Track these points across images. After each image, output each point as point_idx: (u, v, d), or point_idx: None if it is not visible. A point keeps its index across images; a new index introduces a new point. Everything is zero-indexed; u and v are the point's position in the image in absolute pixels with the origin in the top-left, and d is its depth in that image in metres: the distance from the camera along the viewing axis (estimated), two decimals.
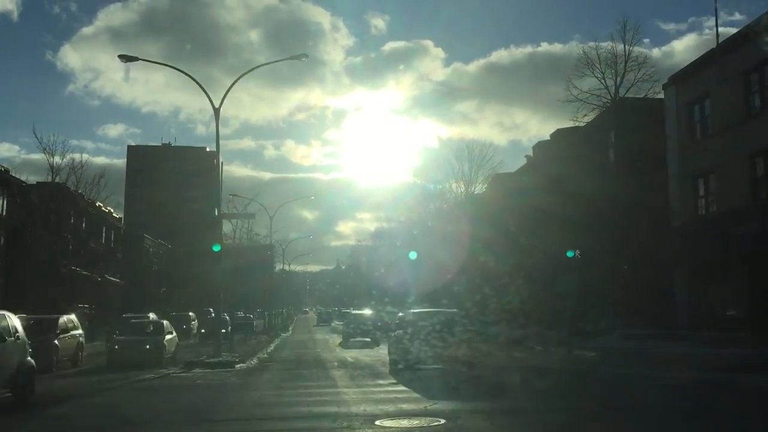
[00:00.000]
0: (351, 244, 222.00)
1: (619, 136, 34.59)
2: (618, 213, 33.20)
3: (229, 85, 24.90)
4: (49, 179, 49.52)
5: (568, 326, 24.09)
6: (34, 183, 53.04)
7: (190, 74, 25.19)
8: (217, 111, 24.54)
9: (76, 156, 55.80)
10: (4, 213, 48.34)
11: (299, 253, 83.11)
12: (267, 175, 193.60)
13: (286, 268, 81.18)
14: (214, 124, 24.30)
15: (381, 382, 16.75)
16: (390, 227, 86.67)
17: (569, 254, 25.72)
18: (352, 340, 35.56)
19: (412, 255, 33.20)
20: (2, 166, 48.27)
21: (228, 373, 20.01)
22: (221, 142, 24.59)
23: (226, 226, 42.13)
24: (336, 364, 23.21)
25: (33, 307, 44.23)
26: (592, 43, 33.49)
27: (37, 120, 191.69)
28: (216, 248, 23.67)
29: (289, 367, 22.38)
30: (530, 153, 51.74)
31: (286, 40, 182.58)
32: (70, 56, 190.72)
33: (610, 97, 33.58)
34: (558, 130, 42.72)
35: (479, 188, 61.27)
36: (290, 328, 67.91)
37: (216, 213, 24.36)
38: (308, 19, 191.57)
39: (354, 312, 47.94)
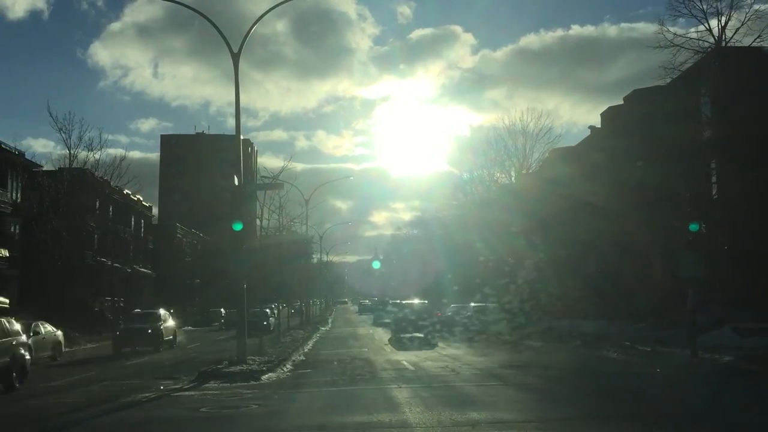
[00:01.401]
0: (386, 234, 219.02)
1: (717, 90, 28.97)
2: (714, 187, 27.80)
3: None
4: (70, 165, 45.58)
5: (693, 321, 18.76)
6: (56, 169, 49.16)
7: (206, 15, 20.60)
8: (236, 56, 20.09)
9: (111, 151, 51.90)
10: (19, 200, 44.50)
11: (336, 242, 78.70)
12: (299, 166, 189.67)
13: (324, 258, 76.79)
14: (244, 117, 19.97)
15: (474, 415, 10.79)
16: (426, 216, 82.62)
17: (692, 227, 20.31)
18: (402, 336, 30.32)
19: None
20: (16, 150, 44.39)
21: (249, 392, 14.53)
22: (250, 133, 19.89)
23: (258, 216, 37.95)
24: (393, 374, 17.50)
25: (53, 300, 40.82)
26: None
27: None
28: (237, 227, 18.80)
29: (332, 380, 16.82)
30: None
31: (312, 30, 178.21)
32: (100, 53, 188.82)
33: (714, 40, 27.85)
34: (634, 91, 37.24)
35: (534, 166, 55.96)
36: (329, 321, 63.29)
37: (235, 182, 19.40)
38: (334, 9, 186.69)
39: (404, 303, 41.88)
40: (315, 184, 46.30)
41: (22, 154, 45.19)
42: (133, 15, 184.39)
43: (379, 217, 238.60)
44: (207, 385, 16.21)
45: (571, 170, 44.94)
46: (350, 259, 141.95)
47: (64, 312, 40.91)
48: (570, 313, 37.37)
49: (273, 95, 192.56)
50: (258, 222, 32.41)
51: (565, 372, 17.38)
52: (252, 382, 16.22)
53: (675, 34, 28.88)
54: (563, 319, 35.69)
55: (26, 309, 41.40)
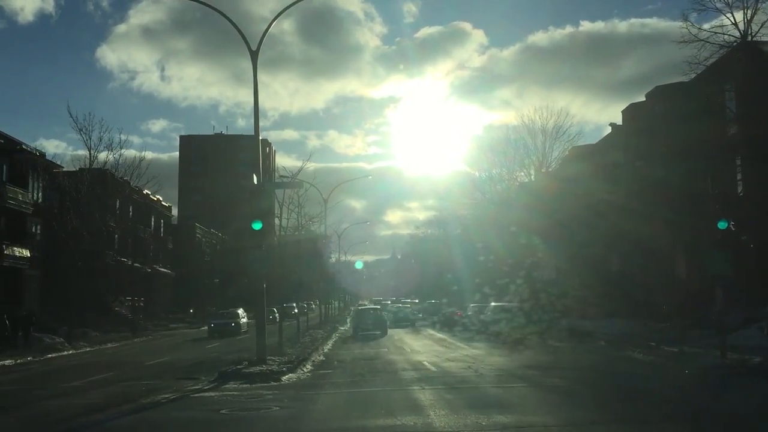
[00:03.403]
0: (401, 233, 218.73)
1: (742, 85, 28.40)
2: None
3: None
4: (90, 166, 45.74)
5: (721, 320, 18.31)
6: (76, 170, 49.38)
7: (224, 13, 20.40)
8: (254, 54, 19.94)
9: (129, 152, 52.08)
10: (40, 200, 44.78)
11: (353, 242, 78.55)
12: (311, 165, 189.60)
13: (342, 258, 76.64)
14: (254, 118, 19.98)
15: (501, 418, 10.52)
16: (443, 216, 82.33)
17: (721, 225, 19.83)
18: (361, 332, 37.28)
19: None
20: (36, 150, 44.67)
21: (270, 393, 14.32)
22: (262, 133, 19.73)
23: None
24: (414, 375, 17.19)
25: (73, 300, 41.00)
26: None
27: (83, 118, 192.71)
28: (256, 226, 18.64)
29: (353, 381, 16.57)
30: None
31: (319, 30, 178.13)
32: (108, 56, 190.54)
33: (739, 34, 27.26)
34: (656, 88, 36.65)
35: (554, 164, 55.39)
36: (348, 321, 63.11)
37: (254, 180, 19.24)
38: (341, 8, 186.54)
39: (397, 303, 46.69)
40: (329, 183, 46.16)
41: (42, 155, 45.47)
42: (137, 17, 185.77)
43: (393, 217, 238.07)
44: (227, 385, 16.03)
45: (592, 169, 44.46)
46: (368, 258, 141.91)
47: (84, 311, 41.14)
48: (591, 313, 36.97)
49: (281, 96, 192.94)
50: (277, 221, 32.21)
51: (591, 373, 17.03)
52: (272, 383, 16.00)
53: (699, 28, 28.32)
54: (585, 319, 35.31)
55: (47, 308, 41.81)
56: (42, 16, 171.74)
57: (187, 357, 26.30)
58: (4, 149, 40.34)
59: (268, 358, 19.33)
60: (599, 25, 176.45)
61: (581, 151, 49.57)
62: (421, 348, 27.57)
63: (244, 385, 15.76)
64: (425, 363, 20.33)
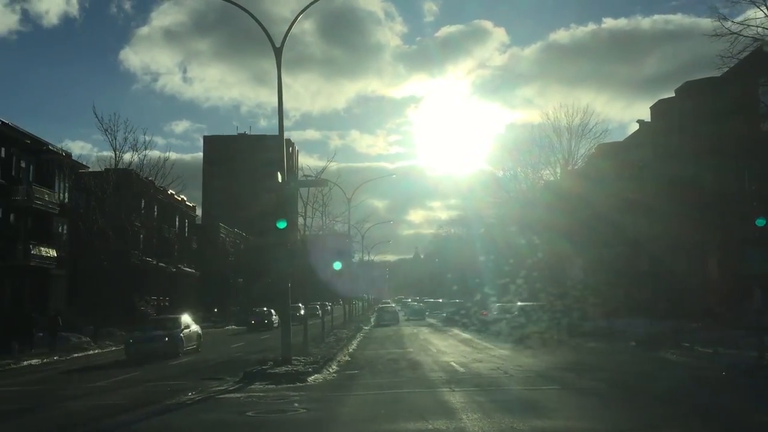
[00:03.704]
0: (424, 233, 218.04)
1: None
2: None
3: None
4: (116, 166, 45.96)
5: (760, 320, 17.74)
6: (101, 170, 49.66)
7: (249, 11, 20.20)
8: (278, 51, 19.74)
9: (153, 153, 52.36)
10: (66, 200, 45.08)
11: (376, 241, 78.30)
12: (333, 165, 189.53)
13: (365, 257, 76.42)
14: (276, 119, 19.72)
15: (538, 423, 10.14)
16: (467, 215, 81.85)
17: (759, 223, 19.24)
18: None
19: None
20: (63, 151, 44.95)
21: (296, 394, 14.04)
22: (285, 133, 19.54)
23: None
24: (443, 376, 16.70)
25: (99, 299, 41.23)
26: None
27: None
28: (281, 225, 18.42)
29: (380, 382, 16.07)
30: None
31: (339, 30, 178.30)
32: (131, 58, 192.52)
33: None
34: (686, 83, 35.88)
35: (580, 162, 54.62)
36: (372, 320, 62.84)
37: (279, 179, 19.05)
38: (361, 8, 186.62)
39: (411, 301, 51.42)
40: (351, 182, 46.07)
41: (68, 155, 45.74)
42: (159, 19, 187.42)
43: (416, 216, 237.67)
44: (252, 386, 15.80)
45: (619, 166, 43.77)
46: (390, 258, 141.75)
47: (110, 311, 41.33)
48: (620, 313, 36.30)
49: (303, 96, 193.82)
50: (302, 220, 32.06)
51: (625, 375, 16.48)
52: (298, 384, 15.73)
53: (732, 21, 27.52)
54: (613, 319, 34.64)
55: (73, 308, 42.06)
56: (66, 20, 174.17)
57: (211, 356, 26.19)
58: (30, 150, 40.65)
59: (293, 358, 19.10)
60: (622, 22, 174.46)
61: (608, 148, 48.81)
62: (447, 348, 27.20)
63: (270, 386, 15.51)
64: (453, 364, 19.93)
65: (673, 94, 37.85)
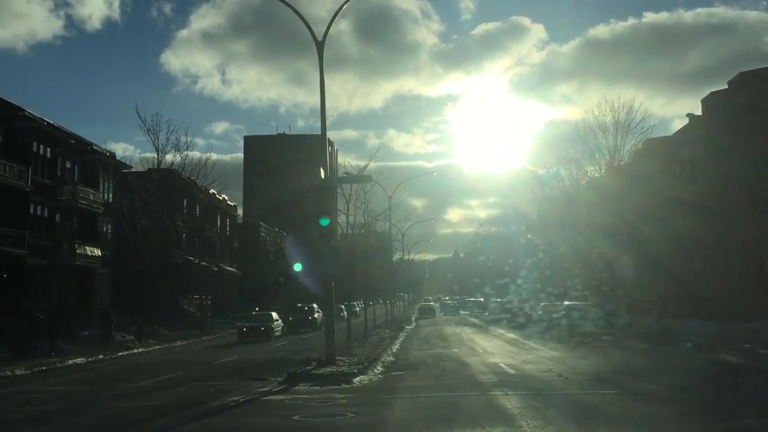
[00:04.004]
0: (462, 232, 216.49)
1: None
2: None
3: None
4: (158, 166, 46.29)
5: None
6: (145, 170, 50.10)
7: (291, 5, 19.86)
8: (320, 45, 19.39)
9: (194, 154, 52.70)
10: (110, 200, 45.53)
11: (415, 240, 77.79)
12: (371, 164, 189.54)
13: (406, 256, 75.92)
14: (313, 119, 19.34)
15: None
16: (507, 214, 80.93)
17: None
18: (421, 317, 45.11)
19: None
20: (107, 151, 45.43)
21: (343, 397, 13.62)
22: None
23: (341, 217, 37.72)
24: (494, 378, 16.03)
25: (143, 298, 41.57)
26: None
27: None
28: (324, 222, 18.04)
29: (428, 384, 15.46)
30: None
31: (376, 29, 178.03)
32: (172, 61, 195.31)
33: None
34: (740, 74, 34.57)
35: (626, 158, 53.28)
36: (413, 319, 62.30)
37: (321, 175, 18.67)
38: (397, 7, 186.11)
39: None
40: (390, 181, 45.75)
41: (113, 155, 46.22)
42: (198, 21, 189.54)
43: (454, 215, 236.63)
44: (297, 387, 15.41)
45: (666, 163, 42.42)
46: (429, 257, 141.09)
47: (153, 309, 41.60)
48: (672, 313, 35.16)
49: (340, 96, 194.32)
50: (344, 218, 31.76)
51: (686, 378, 15.56)
52: (344, 386, 15.29)
53: None
54: (666, 319, 33.54)
55: (117, 307, 42.42)
56: (108, 24, 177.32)
57: (254, 356, 25.98)
58: (75, 150, 41.10)
59: (337, 358, 18.72)
60: (663, 16, 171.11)
61: (655, 143, 47.38)
62: (493, 348, 26.54)
63: (315, 388, 15.10)
64: (502, 365, 19.26)
65: (725, 86, 36.54)
